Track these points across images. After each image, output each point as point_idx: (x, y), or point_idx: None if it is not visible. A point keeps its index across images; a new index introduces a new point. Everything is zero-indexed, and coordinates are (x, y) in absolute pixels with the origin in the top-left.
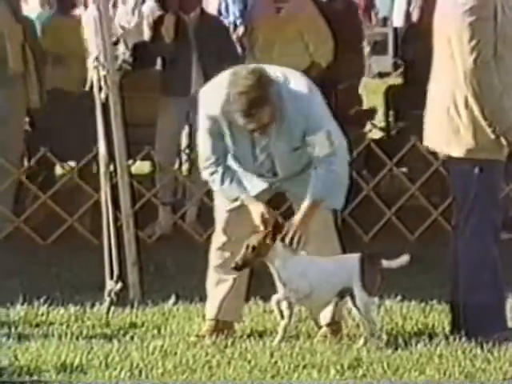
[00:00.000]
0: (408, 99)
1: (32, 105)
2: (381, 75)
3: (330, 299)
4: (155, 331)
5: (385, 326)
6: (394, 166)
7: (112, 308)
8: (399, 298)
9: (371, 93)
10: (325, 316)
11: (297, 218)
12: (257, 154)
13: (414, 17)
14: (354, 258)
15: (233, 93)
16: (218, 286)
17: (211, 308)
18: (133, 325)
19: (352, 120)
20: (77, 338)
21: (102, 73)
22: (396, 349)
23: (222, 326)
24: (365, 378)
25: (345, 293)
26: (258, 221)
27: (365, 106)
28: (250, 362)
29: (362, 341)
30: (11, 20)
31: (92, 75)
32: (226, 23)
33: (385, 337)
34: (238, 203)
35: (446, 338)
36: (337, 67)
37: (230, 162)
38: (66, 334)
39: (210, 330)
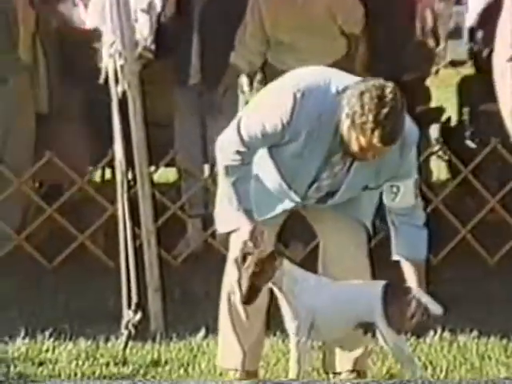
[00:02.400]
0: (484, 93)
1: (40, 109)
2: (454, 64)
3: (344, 334)
4: (181, 370)
5: (457, 368)
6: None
7: (130, 343)
8: (475, 333)
9: (442, 85)
10: (346, 360)
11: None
12: (320, 177)
13: None
14: (377, 285)
15: (376, 111)
16: (239, 333)
17: (236, 355)
18: (155, 363)
19: (416, 120)
20: (88, 378)
21: (119, 62)
22: None
23: (249, 377)
24: None
25: (364, 327)
26: (245, 237)
27: (433, 103)
28: None
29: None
30: (25, 3)
31: (107, 65)
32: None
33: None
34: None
35: None
36: (399, 53)
37: (260, 171)
38: (76, 374)
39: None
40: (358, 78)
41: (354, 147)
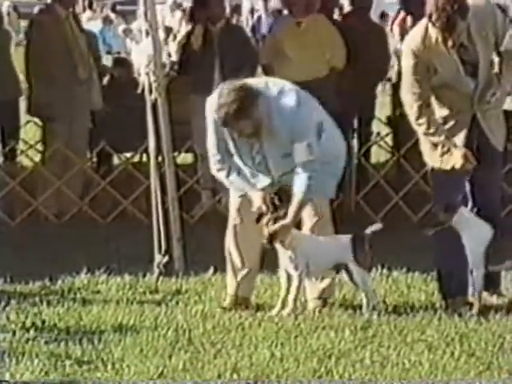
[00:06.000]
0: None
1: (94, 107)
2: None
3: (325, 271)
4: (197, 297)
5: (392, 294)
6: None
7: (160, 277)
8: (404, 269)
9: None
10: (316, 290)
11: (287, 219)
12: (254, 155)
13: None
14: (346, 238)
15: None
16: (236, 266)
17: (231, 284)
18: (178, 292)
19: None
20: (131, 303)
21: (153, 78)
22: (401, 313)
23: (241, 300)
24: (374, 338)
25: (339, 267)
26: (258, 204)
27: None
28: (277, 323)
29: (364, 309)
30: (77, 32)
31: (144, 80)
32: (247, 33)
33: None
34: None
35: (446, 303)
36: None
37: (236, 160)
38: (122, 300)
39: (231, 303)
40: None
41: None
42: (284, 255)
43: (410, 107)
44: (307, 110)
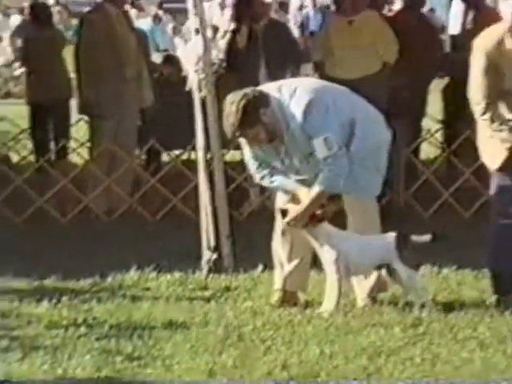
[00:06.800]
0: None
1: (144, 104)
2: None
3: (366, 272)
4: (246, 294)
5: (442, 292)
6: None
7: (210, 274)
8: (455, 266)
9: None
10: (365, 287)
11: (300, 207)
12: (282, 158)
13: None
14: (390, 236)
15: (223, 117)
16: (283, 260)
17: (279, 279)
18: (227, 289)
19: None
20: (181, 300)
21: (202, 75)
22: (452, 310)
23: (288, 296)
24: (425, 336)
25: (382, 267)
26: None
27: None
28: (326, 321)
29: (416, 307)
30: (127, 31)
31: (193, 77)
32: (290, 30)
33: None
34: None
35: (498, 300)
36: None
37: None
38: (172, 296)
39: (279, 298)
40: None
41: None
42: (323, 257)
43: (477, 104)
44: (322, 106)
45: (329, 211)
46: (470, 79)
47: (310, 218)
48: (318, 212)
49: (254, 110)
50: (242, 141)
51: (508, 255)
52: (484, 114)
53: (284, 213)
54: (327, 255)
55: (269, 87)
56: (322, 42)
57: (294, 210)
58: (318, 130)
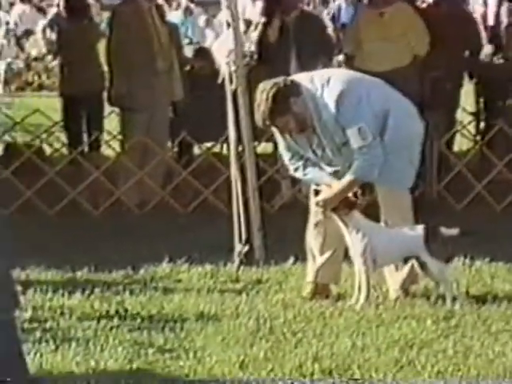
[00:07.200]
0: None
1: (175, 97)
2: None
3: (394, 264)
4: (277, 286)
5: (475, 284)
6: None
7: (241, 267)
8: (488, 259)
9: None
10: (397, 279)
11: (334, 189)
12: (314, 149)
13: None
14: (419, 228)
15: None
16: (316, 253)
17: (311, 271)
18: (258, 281)
19: None
20: (212, 292)
21: (233, 68)
22: (485, 303)
23: (320, 288)
24: (457, 328)
25: (410, 259)
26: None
27: None
28: (358, 313)
29: (449, 300)
30: (159, 24)
31: (224, 70)
32: (323, 21)
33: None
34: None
35: None
36: None
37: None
38: (203, 289)
39: (311, 291)
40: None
41: None
42: (351, 247)
43: None
44: (355, 96)
45: (361, 202)
46: None
47: (342, 203)
48: (351, 198)
49: (284, 99)
50: (275, 131)
51: None
52: None
53: (317, 193)
54: (356, 246)
55: (301, 77)
56: (352, 35)
57: (326, 191)
58: (351, 121)
